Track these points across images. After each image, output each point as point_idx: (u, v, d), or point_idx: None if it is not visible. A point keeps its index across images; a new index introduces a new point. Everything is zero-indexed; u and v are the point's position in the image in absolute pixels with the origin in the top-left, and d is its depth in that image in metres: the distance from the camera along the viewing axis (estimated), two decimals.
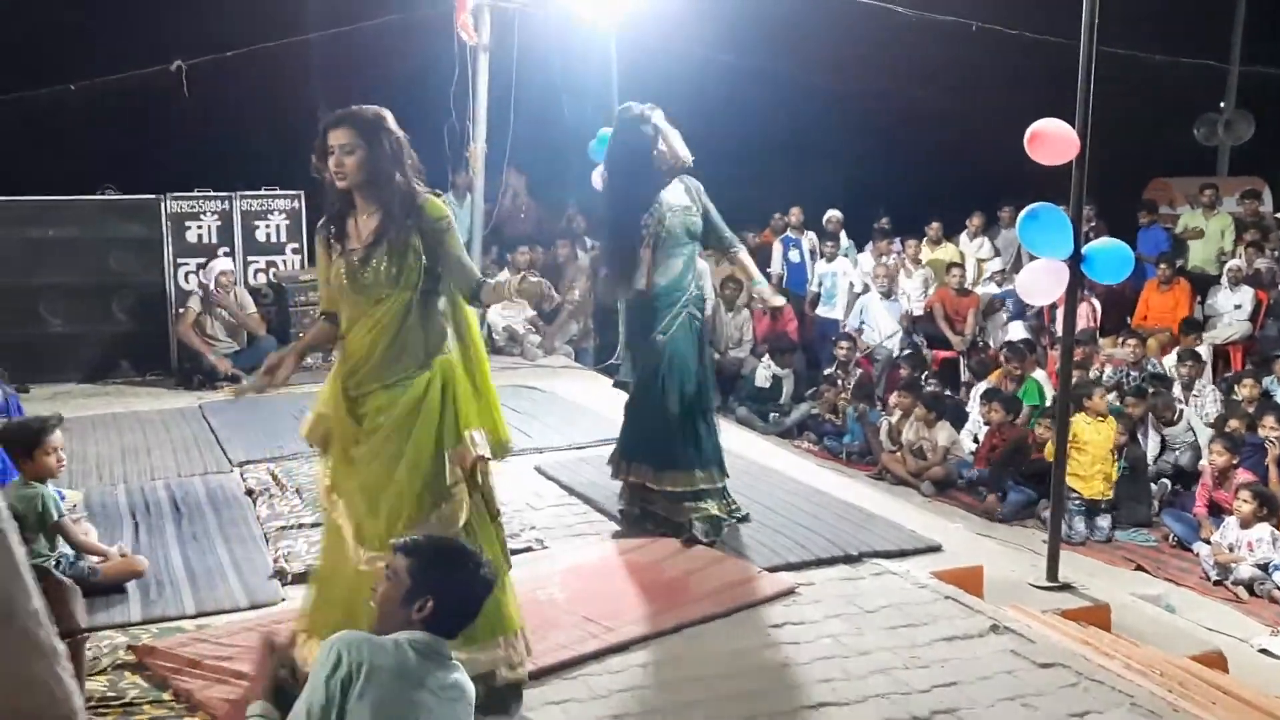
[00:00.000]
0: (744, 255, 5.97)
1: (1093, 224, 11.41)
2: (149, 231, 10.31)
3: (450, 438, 3.89)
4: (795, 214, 13.23)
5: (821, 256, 12.88)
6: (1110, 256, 5.39)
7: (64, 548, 4.92)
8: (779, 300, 6.84)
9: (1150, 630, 5.27)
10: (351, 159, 3.84)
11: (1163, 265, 11.64)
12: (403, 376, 3.89)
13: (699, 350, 5.65)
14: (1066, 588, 5.43)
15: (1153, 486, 8.42)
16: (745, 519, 5.75)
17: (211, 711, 3.89)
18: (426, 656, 2.74)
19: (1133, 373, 9.86)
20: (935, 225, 13.07)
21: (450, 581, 2.84)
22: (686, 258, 5.57)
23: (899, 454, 9.13)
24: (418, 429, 3.85)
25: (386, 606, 2.83)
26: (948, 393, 10.22)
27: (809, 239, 13.36)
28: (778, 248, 12.99)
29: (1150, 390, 9.07)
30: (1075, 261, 5.31)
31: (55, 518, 4.81)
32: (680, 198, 5.55)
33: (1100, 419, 8.13)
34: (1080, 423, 8.01)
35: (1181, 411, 8.98)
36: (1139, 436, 8.69)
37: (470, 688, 2.80)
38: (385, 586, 2.83)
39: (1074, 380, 7.02)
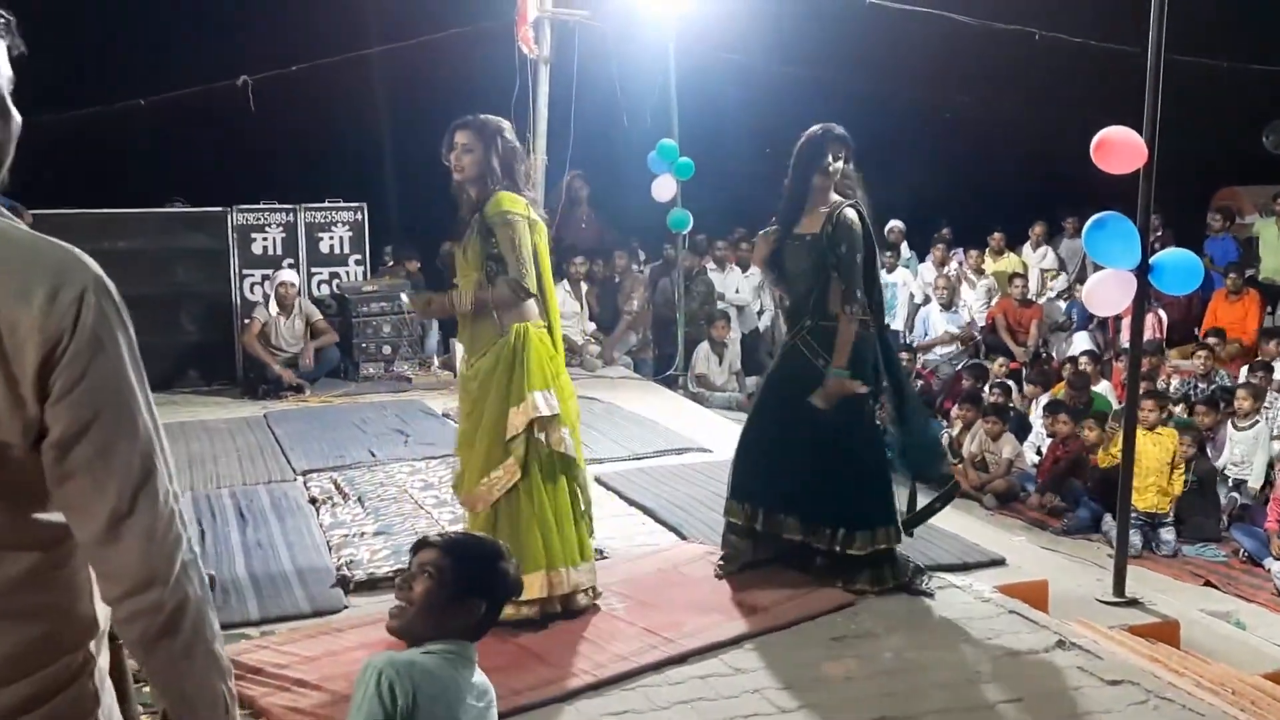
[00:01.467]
0: (843, 324, 5.04)
1: (1159, 233, 11.23)
2: (216, 243, 10.48)
3: (515, 397, 4.49)
4: None
5: (882, 267, 12.79)
6: (1179, 266, 5.30)
7: None
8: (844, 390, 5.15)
9: (1220, 647, 5.16)
10: (468, 158, 4.55)
11: (1232, 275, 11.43)
12: (487, 347, 4.56)
13: (811, 389, 5.05)
14: (1134, 603, 5.33)
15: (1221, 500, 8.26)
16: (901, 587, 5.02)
17: (274, 718, 3.93)
18: (460, 666, 2.64)
19: (1201, 385, 9.69)
20: (998, 235, 12.94)
21: (499, 584, 2.74)
22: (805, 288, 5.19)
23: (960, 466, 9.03)
24: (493, 390, 4.52)
25: (429, 606, 2.68)
26: (1012, 405, 10.10)
27: None
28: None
29: (1222, 401, 8.90)
30: (1143, 271, 5.23)
31: None
32: (814, 225, 5.17)
33: (1150, 431, 7.97)
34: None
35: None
36: (1208, 450, 8.52)
37: (491, 686, 2.72)
38: (428, 585, 2.68)
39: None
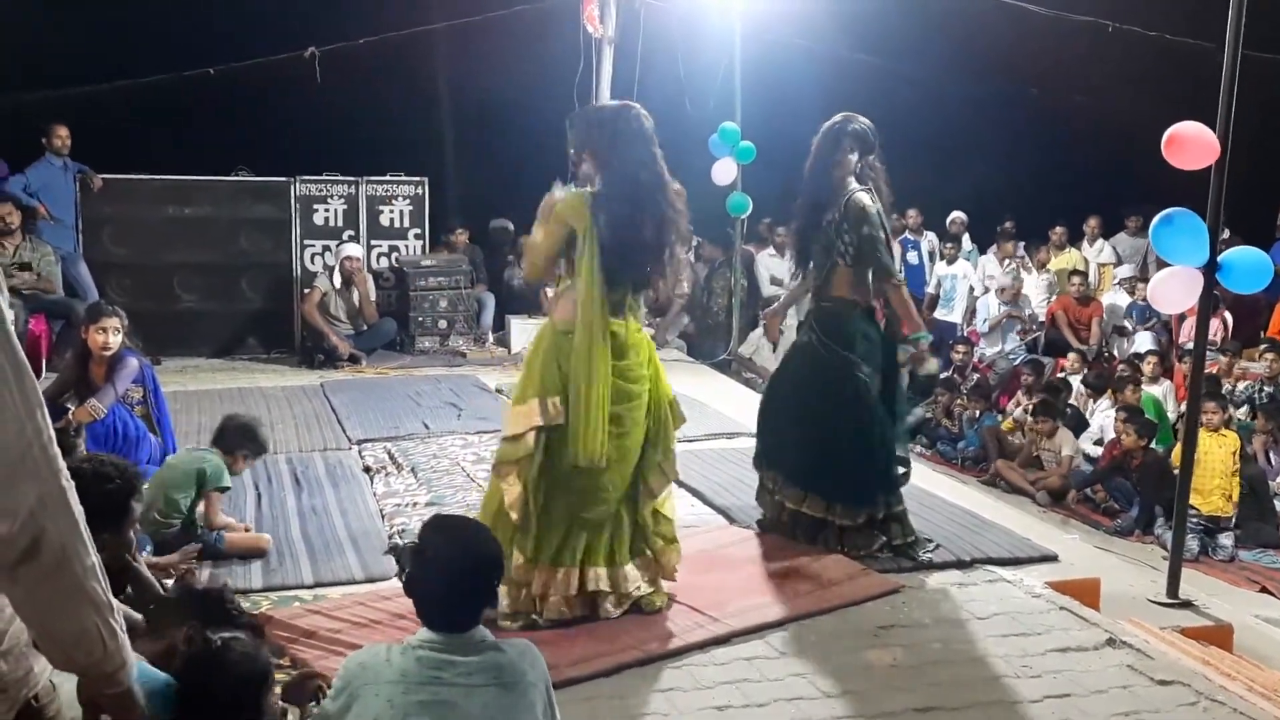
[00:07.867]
0: (894, 295, 5.34)
1: (1225, 236, 11.00)
2: (279, 213, 10.61)
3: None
4: (912, 216, 13.03)
5: (942, 258, 12.69)
6: (1248, 264, 5.19)
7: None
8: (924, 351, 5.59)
9: (1275, 654, 5.07)
10: None
11: None
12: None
13: (821, 375, 5.31)
14: (1187, 605, 5.26)
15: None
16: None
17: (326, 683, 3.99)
18: (442, 650, 2.65)
19: (1266, 388, 9.50)
20: (1059, 230, 12.79)
21: (422, 574, 2.76)
22: (823, 273, 5.37)
23: (1015, 461, 8.95)
24: None
25: (407, 592, 2.83)
26: (1070, 404, 9.98)
27: (928, 240, 13.17)
28: (896, 249, 12.81)
29: None
30: (1210, 269, 5.14)
31: (212, 486, 5.12)
32: (831, 213, 5.34)
33: (1215, 433, 7.84)
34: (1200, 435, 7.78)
35: None
36: (1270, 455, 8.37)
37: (511, 663, 2.69)
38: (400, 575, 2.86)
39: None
